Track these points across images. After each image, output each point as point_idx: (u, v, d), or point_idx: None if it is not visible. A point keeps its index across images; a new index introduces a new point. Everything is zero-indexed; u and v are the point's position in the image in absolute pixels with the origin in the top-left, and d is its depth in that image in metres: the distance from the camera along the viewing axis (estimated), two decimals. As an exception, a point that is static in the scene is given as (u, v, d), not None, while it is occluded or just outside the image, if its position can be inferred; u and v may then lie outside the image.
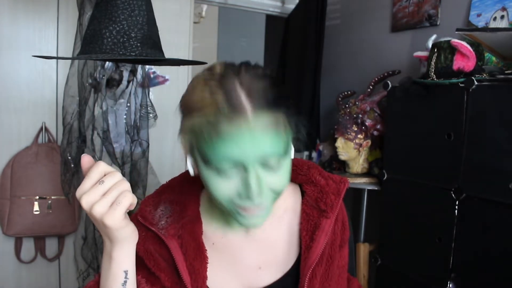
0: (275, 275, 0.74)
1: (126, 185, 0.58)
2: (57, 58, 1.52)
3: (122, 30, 0.99)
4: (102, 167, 0.58)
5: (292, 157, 0.68)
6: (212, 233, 0.75)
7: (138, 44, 1.00)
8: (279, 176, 0.63)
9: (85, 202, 0.56)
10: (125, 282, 0.62)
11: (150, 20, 1.04)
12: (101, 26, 0.99)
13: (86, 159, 0.59)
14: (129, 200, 0.58)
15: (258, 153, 0.58)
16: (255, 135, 0.57)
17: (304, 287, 0.72)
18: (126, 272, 0.63)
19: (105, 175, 0.58)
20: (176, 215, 0.72)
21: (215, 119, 0.57)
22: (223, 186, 0.61)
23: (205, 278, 0.70)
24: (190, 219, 0.73)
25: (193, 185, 0.77)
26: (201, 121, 0.59)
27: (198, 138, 0.60)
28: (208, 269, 0.71)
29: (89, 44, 1.00)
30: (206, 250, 0.72)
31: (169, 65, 1.49)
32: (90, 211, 0.57)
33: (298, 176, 0.80)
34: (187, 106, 0.63)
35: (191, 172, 0.67)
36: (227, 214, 0.68)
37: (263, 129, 0.58)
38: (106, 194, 0.57)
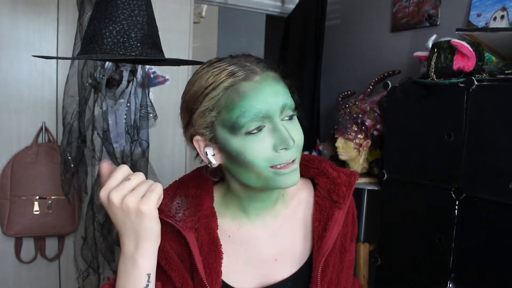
0: (291, 268, 0.75)
1: (152, 181, 0.60)
2: (57, 58, 1.52)
3: (122, 30, 0.98)
4: (126, 169, 0.60)
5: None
6: (228, 226, 0.75)
7: (138, 44, 1.00)
8: (297, 129, 0.67)
9: (115, 196, 0.58)
10: (147, 286, 0.61)
11: (150, 20, 1.04)
12: (101, 26, 0.99)
13: (105, 165, 0.62)
14: (161, 189, 0.60)
15: (279, 102, 0.64)
16: (272, 86, 0.64)
17: (317, 277, 0.72)
18: (148, 276, 0.62)
19: (129, 176, 0.60)
20: (193, 208, 0.72)
21: (233, 83, 0.63)
22: (258, 148, 0.63)
23: (219, 273, 0.71)
24: (206, 213, 0.73)
25: (205, 181, 0.77)
26: (218, 94, 0.63)
27: (220, 111, 0.64)
28: (224, 263, 0.72)
29: (89, 44, 1.00)
30: (221, 245, 0.72)
31: (169, 65, 1.49)
32: (121, 203, 0.58)
33: (310, 169, 0.81)
34: (194, 96, 0.66)
35: (213, 161, 0.68)
36: (243, 205, 0.72)
37: (275, 81, 0.65)
38: (135, 188, 0.59)
